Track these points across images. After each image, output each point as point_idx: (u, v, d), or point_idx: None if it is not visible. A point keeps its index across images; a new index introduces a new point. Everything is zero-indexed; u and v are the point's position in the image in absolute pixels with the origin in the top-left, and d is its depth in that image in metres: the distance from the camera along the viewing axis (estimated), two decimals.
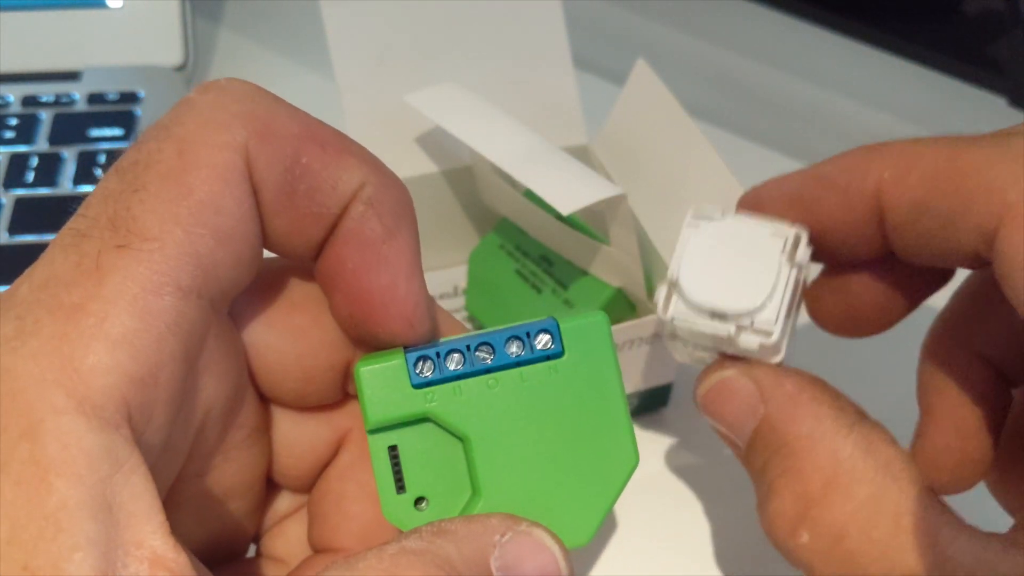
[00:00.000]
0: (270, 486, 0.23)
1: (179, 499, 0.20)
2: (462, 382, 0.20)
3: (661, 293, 0.23)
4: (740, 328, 0.23)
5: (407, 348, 0.20)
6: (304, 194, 0.19)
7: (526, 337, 0.20)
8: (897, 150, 0.24)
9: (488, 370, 0.20)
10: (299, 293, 0.21)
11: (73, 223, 0.17)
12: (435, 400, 0.20)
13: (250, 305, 0.21)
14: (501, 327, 0.20)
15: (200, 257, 0.17)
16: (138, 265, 0.17)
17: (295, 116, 0.19)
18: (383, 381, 0.20)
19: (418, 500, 0.20)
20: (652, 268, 0.35)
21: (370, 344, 0.21)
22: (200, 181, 0.17)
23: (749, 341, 0.23)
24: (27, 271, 0.17)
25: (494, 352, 0.20)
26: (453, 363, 0.20)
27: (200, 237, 0.17)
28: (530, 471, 0.20)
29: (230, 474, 0.21)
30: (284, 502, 0.23)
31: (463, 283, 0.38)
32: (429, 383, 0.20)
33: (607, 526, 0.33)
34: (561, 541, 0.20)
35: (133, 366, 0.16)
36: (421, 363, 0.20)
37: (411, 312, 0.20)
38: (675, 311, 0.23)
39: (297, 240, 0.20)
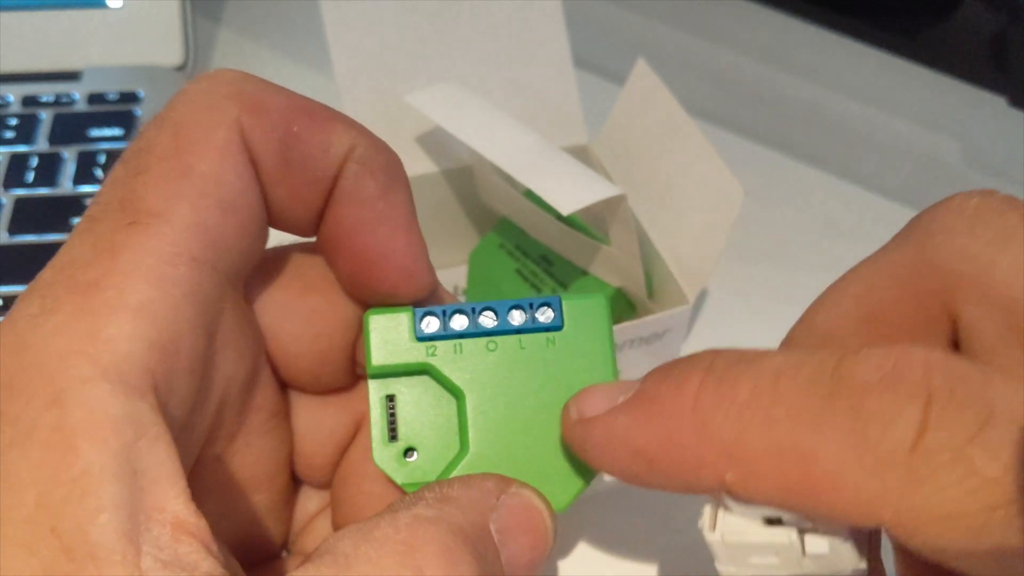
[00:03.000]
0: (295, 485, 0.23)
1: (202, 485, 0.20)
2: (463, 341, 0.21)
3: (705, 517, 0.19)
4: (803, 531, 0.18)
5: (415, 305, 0.21)
6: (299, 161, 0.19)
7: (529, 308, 0.21)
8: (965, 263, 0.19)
9: (489, 333, 0.21)
10: (311, 275, 0.22)
11: (87, 212, 0.18)
12: (436, 354, 0.21)
13: (265, 289, 0.21)
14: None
15: (208, 228, 0.18)
16: (150, 239, 0.17)
17: (282, 92, 0.20)
18: (389, 329, 0.21)
19: (408, 451, 0.21)
20: (652, 268, 0.35)
21: (376, 304, 0.21)
22: (198, 157, 0.18)
23: (817, 545, 0.18)
24: (50, 260, 0.18)
25: (497, 318, 0.21)
26: (457, 323, 0.21)
27: (206, 209, 0.18)
28: (518, 433, 0.21)
29: (252, 461, 0.21)
30: (312, 501, 0.24)
31: (463, 283, 0.38)
32: (432, 337, 0.21)
33: (603, 524, 0.33)
34: (548, 502, 0.20)
35: (154, 333, 0.17)
36: (427, 318, 0.21)
37: (411, 264, 0.21)
38: (724, 526, 0.19)
39: (299, 209, 0.20)
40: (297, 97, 0.20)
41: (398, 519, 0.17)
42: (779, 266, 0.42)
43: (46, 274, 0.17)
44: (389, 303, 0.21)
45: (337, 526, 0.23)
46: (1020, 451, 0.15)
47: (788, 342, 0.21)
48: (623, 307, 0.35)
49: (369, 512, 0.22)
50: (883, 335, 0.20)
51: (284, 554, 0.24)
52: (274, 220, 0.20)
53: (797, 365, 0.17)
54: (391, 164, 0.21)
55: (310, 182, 0.20)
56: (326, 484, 0.23)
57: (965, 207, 0.19)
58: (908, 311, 0.19)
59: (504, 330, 0.21)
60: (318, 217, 0.20)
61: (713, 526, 0.19)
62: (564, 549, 0.32)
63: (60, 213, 0.40)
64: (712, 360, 0.18)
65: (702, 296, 0.41)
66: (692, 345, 0.39)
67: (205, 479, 0.21)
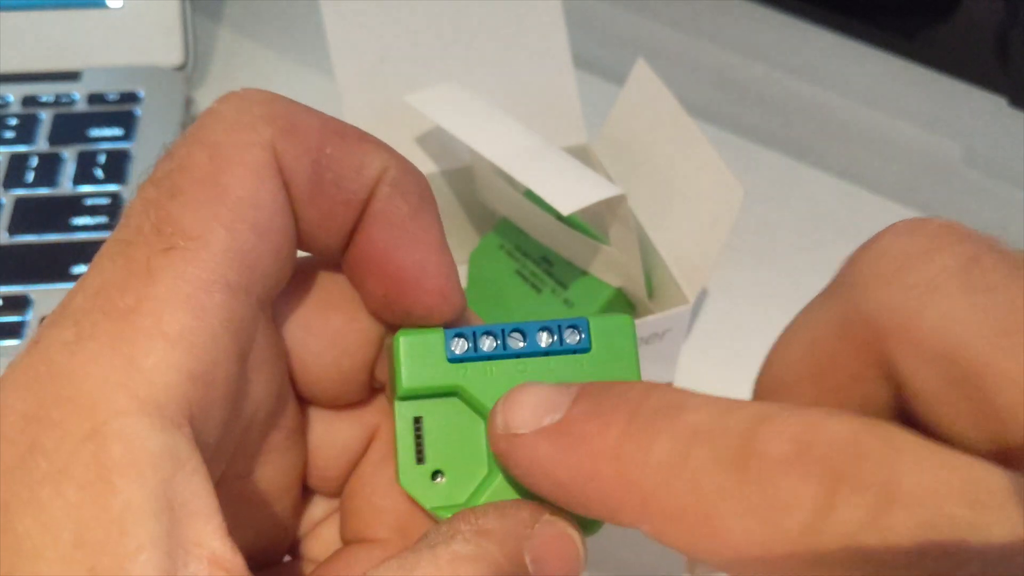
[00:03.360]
0: (305, 493, 0.23)
1: (219, 503, 0.20)
2: (494, 362, 0.21)
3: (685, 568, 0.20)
4: None
5: (445, 326, 0.21)
6: (332, 182, 0.19)
7: (557, 330, 0.21)
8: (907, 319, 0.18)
9: (519, 355, 0.21)
10: (334, 293, 0.22)
11: (117, 234, 0.18)
12: (466, 376, 0.21)
13: (288, 308, 0.21)
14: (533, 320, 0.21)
15: (244, 253, 0.18)
16: (187, 265, 0.17)
17: (314, 113, 0.20)
18: (420, 351, 0.21)
19: (435, 473, 0.21)
20: (652, 268, 0.35)
21: (403, 325, 0.21)
22: (234, 179, 0.18)
23: None
24: (78, 282, 0.17)
25: (525, 339, 0.21)
26: (486, 344, 0.21)
27: (241, 233, 0.18)
28: None
29: (268, 477, 0.21)
30: (319, 509, 0.24)
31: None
32: (463, 359, 0.21)
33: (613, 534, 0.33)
34: (579, 528, 0.20)
35: (192, 363, 0.17)
36: (457, 340, 0.21)
37: (444, 284, 0.20)
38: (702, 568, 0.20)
39: (329, 230, 0.20)
40: (328, 118, 0.20)
41: (438, 557, 0.18)
42: (779, 266, 0.42)
43: (78, 299, 0.17)
44: (419, 324, 0.21)
45: (345, 536, 0.23)
46: (912, 538, 0.15)
47: (755, 390, 0.22)
48: (623, 307, 0.34)
49: (379, 525, 0.22)
50: (829, 386, 0.20)
51: (286, 558, 0.24)
52: (303, 242, 0.20)
53: (713, 429, 0.17)
54: (421, 186, 0.21)
55: (342, 204, 0.20)
56: (336, 493, 0.23)
57: (892, 250, 0.18)
58: (849, 362, 0.19)
59: (534, 352, 0.21)
60: (347, 239, 0.20)
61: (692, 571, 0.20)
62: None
63: (60, 213, 0.40)
64: (640, 402, 0.18)
65: (702, 296, 0.41)
66: (692, 345, 0.39)
67: (222, 497, 0.21)
